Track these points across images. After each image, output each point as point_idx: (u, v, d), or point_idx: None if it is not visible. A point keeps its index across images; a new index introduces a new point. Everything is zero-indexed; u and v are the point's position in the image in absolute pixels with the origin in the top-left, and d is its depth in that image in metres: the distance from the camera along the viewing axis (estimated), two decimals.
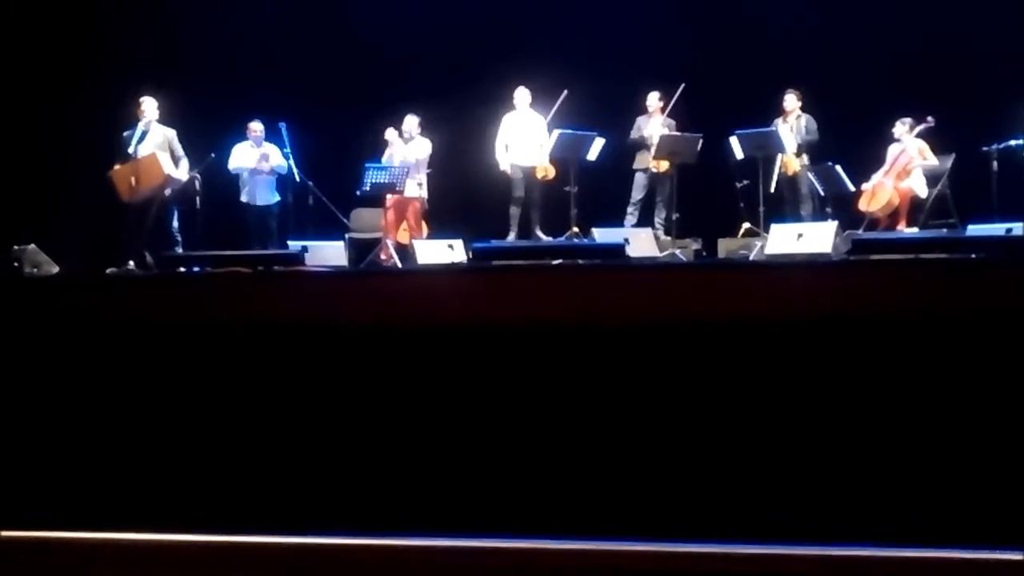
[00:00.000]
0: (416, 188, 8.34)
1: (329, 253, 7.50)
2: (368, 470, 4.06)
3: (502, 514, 3.98)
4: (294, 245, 7.35)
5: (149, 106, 7.98)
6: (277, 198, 8.47)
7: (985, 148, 7.46)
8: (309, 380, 4.15)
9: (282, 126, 8.42)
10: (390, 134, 8.35)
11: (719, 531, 3.76)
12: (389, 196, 8.19)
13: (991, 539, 3.62)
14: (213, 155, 8.31)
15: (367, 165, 8.12)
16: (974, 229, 6.85)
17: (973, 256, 5.37)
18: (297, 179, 8.39)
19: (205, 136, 8.44)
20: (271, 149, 8.46)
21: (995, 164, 7.37)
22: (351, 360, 4.15)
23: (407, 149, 8.31)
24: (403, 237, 8.20)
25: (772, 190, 8.08)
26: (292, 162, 8.36)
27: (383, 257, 7.96)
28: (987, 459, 3.91)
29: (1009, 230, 6.24)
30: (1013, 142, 7.30)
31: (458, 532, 3.73)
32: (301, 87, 8.98)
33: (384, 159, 8.31)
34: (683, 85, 8.17)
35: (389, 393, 4.14)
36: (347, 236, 8.32)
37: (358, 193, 8.15)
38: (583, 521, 3.97)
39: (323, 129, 8.64)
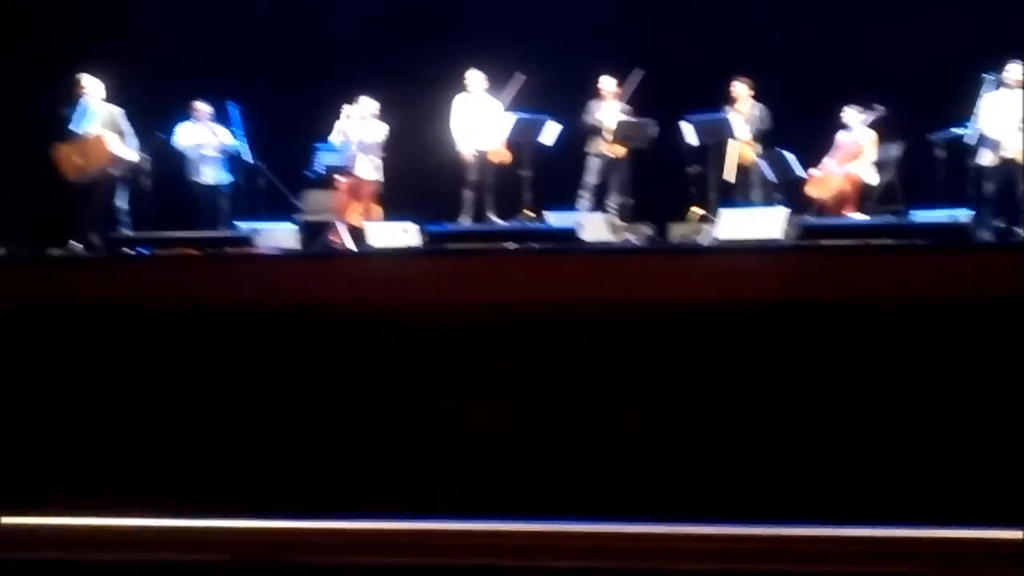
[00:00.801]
0: (373, 171, 8.27)
1: (280, 235, 7.41)
2: (312, 452, 4.04)
3: (456, 497, 3.98)
4: (244, 227, 7.25)
5: (89, 83, 7.81)
6: (228, 178, 8.35)
7: (931, 136, 7.60)
8: (257, 362, 4.11)
9: (232, 106, 8.29)
10: (349, 110, 8.22)
11: (672, 512, 3.82)
12: (342, 177, 8.10)
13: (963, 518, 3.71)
14: (161, 135, 8.16)
15: (319, 146, 8.03)
16: (920, 216, 6.99)
17: (918, 242, 5.49)
18: (248, 160, 8.27)
19: (155, 114, 8.29)
20: (219, 129, 8.33)
21: (941, 152, 7.51)
22: (301, 342, 4.12)
23: (362, 130, 8.20)
24: (355, 220, 8.13)
25: (728, 178, 8.15)
26: (243, 142, 8.24)
27: (334, 240, 7.88)
28: (933, 439, 4.00)
29: (953, 217, 6.37)
30: (958, 131, 7.44)
31: (415, 515, 3.74)
32: (253, 66, 8.84)
33: (334, 136, 8.17)
34: (640, 71, 8.19)
35: (340, 375, 4.12)
36: (299, 218, 8.23)
37: (309, 175, 8.05)
38: (536, 502, 3.99)
39: (275, 109, 8.51)
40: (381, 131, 8.26)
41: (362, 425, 4.09)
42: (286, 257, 5.52)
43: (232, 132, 8.26)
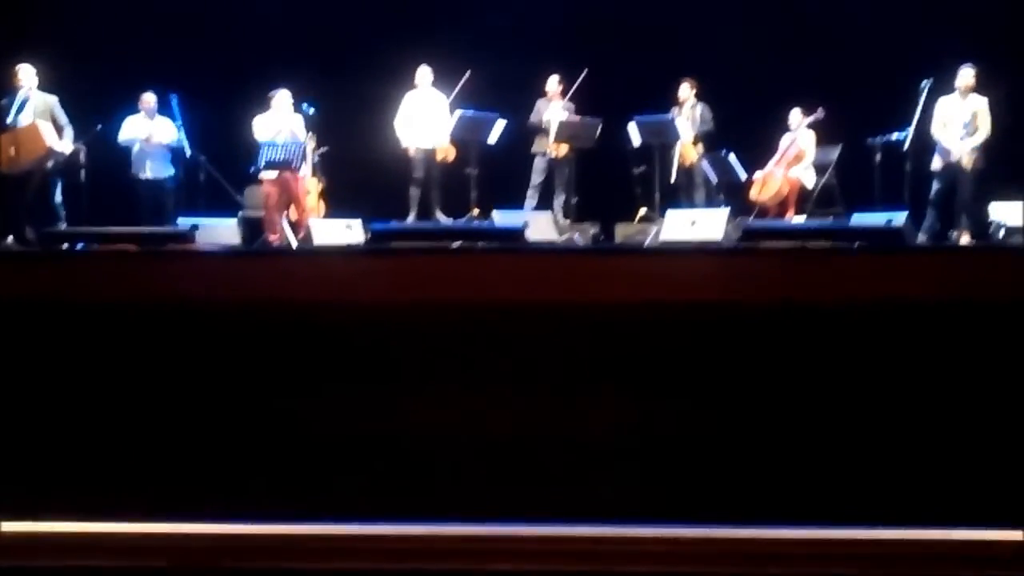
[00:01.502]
0: (303, 167, 8.10)
1: (222, 231, 7.31)
2: (252, 453, 3.99)
3: (403, 499, 3.97)
4: (184, 222, 7.13)
5: (26, 74, 7.61)
6: (171, 172, 8.20)
7: (869, 140, 7.76)
8: (193, 360, 4.05)
9: (173, 98, 8.14)
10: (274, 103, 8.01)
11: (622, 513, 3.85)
12: (269, 173, 7.83)
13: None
14: (100, 126, 7.98)
15: (262, 141, 7.92)
16: (858, 218, 7.14)
17: (856, 244, 5.60)
18: (188, 154, 8.14)
19: (92, 105, 8.10)
20: (164, 123, 8.17)
21: (878, 156, 7.68)
22: (238, 340, 4.06)
23: (284, 122, 8.02)
24: (295, 215, 8.01)
25: (673, 180, 8.24)
26: (183, 135, 8.09)
27: (272, 237, 7.75)
28: (879, 438, 4.09)
29: (890, 220, 6.51)
30: (895, 135, 7.61)
31: (363, 518, 3.71)
32: (194, 57, 8.68)
33: (259, 129, 7.94)
34: (586, 71, 8.24)
35: (277, 374, 4.07)
36: (241, 214, 8.11)
37: (252, 170, 7.93)
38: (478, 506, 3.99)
39: (217, 102, 8.37)
40: (299, 123, 8.08)
41: (302, 425, 4.05)
42: (224, 254, 5.43)
43: (174, 124, 8.10)
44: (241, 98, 8.29)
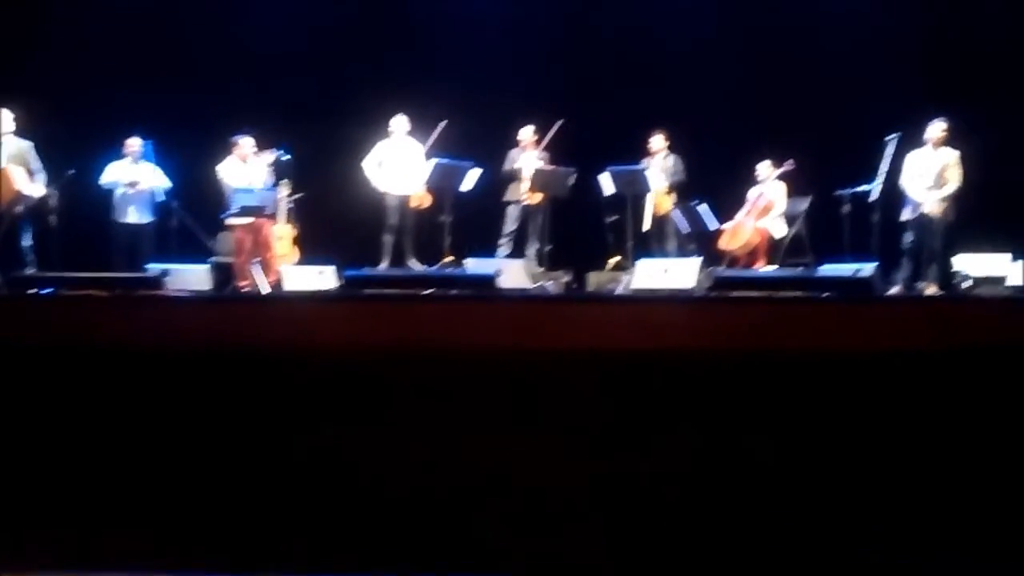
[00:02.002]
0: (273, 213, 8.07)
1: (192, 277, 7.25)
2: (222, 499, 3.93)
3: (358, 548, 3.92)
4: (155, 268, 7.08)
5: (4, 118, 7.59)
6: (152, 217, 8.17)
7: (838, 192, 7.88)
8: (162, 406, 4.00)
9: (148, 144, 8.14)
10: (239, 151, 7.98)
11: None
12: (238, 220, 7.80)
13: None
14: (72, 171, 7.95)
15: (236, 188, 7.90)
16: (826, 269, 7.21)
17: (825, 295, 5.65)
18: (161, 198, 8.11)
19: (65, 150, 8.08)
20: (150, 167, 8.16)
21: (847, 207, 7.79)
22: (209, 387, 4.03)
23: (247, 172, 7.99)
24: (265, 262, 7.95)
25: (646, 228, 8.31)
26: (166, 181, 8.10)
27: (242, 283, 7.69)
28: (844, 486, 4.10)
29: (858, 270, 6.59)
30: (863, 187, 7.73)
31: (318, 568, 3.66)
32: (167, 103, 8.70)
33: (226, 176, 7.92)
34: (561, 121, 8.33)
35: (248, 420, 4.03)
36: (212, 260, 8.07)
37: (223, 218, 7.91)
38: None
39: (189, 148, 8.38)
40: (262, 169, 8.05)
41: (266, 471, 4.00)
42: (194, 300, 5.39)
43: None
44: (214, 143, 8.30)
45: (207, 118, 8.67)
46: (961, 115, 7.85)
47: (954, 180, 7.55)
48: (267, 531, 4.02)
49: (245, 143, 7.95)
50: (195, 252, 8.00)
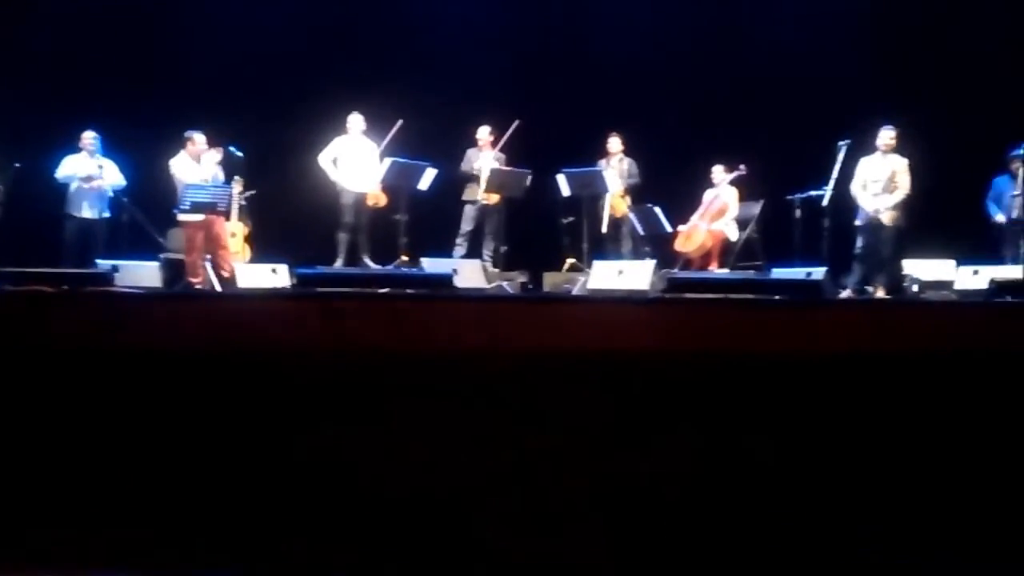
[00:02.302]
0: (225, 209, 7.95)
1: (143, 273, 7.13)
2: (174, 499, 3.87)
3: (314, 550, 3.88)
4: (104, 264, 6.95)
5: None
6: (107, 213, 8.01)
7: (789, 197, 8.00)
8: (105, 405, 3.93)
9: (97, 138, 7.99)
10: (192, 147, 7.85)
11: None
12: (190, 216, 7.68)
13: None
14: (18, 164, 7.78)
15: (188, 184, 7.79)
16: (778, 272, 7.32)
17: (776, 297, 5.73)
18: (111, 194, 7.97)
19: (10, 144, 7.90)
20: (108, 163, 8.00)
21: (798, 212, 7.90)
22: (156, 386, 3.96)
23: (200, 169, 7.86)
24: (215, 259, 7.84)
25: (604, 230, 8.36)
26: (121, 178, 7.97)
27: (194, 280, 7.58)
28: (790, 490, 4.15)
29: (809, 274, 6.69)
30: (814, 192, 7.85)
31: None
32: (116, 96, 8.55)
33: (178, 171, 7.79)
34: (517, 121, 8.34)
35: (196, 420, 3.97)
36: (163, 256, 7.94)
37: (176, 213, 7.79)
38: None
39: (140, 143, 8.24)
40: (217, 169, 7.93)
41: (210, 473, 3.95)
42: (144, 296, 5.30)
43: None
44: (165, 139, 8.17)
45: (158, 113, 8.54)
46: (912, 122, 8.02)
47: (904, 187, 7.70)
48: (218, 529, 3.97)
49: (199, 139, 7.84)
50: (146, 248, 7.87)
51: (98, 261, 7.26)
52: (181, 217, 7.69)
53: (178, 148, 7.97)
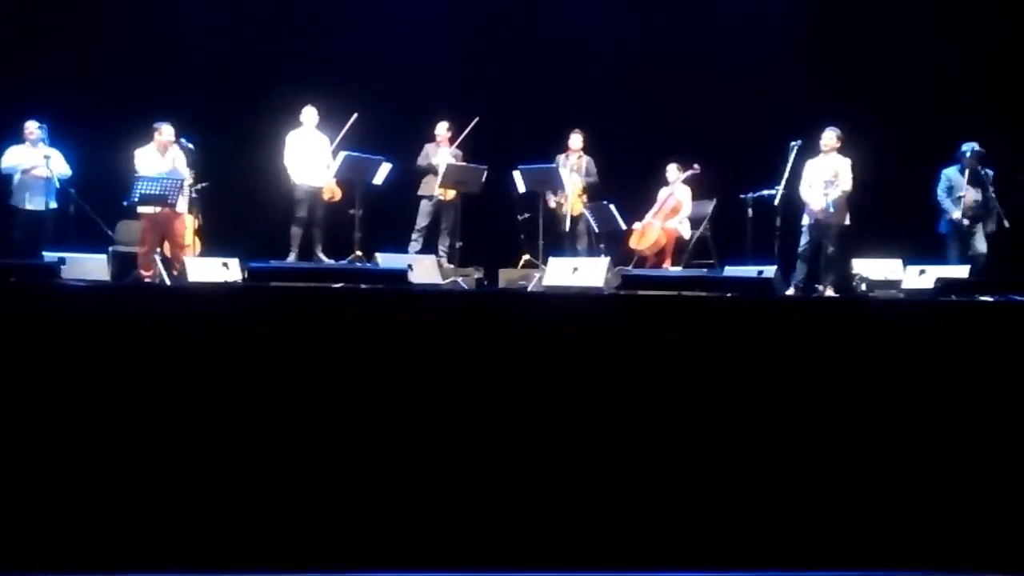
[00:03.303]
0: (183, 203, 7.84)
1: (90, 266, 6.99)
2: (110, 496, 3.82)
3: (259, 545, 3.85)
4: (51, 256, 6.80)
5: None
6: (53, 204, 7.82)
7: (742, 196, 8.09)
8: (50, 399, 3.85)
9: (44, 128, 7.80)
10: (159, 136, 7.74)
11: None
12: (148, 209, 7.54)
13: None
14: None
15: (137, 175, 7.64)
16: (730, 270, 7.40)
17: (728, 294, 5.79)
18: (57, 185, 7.79)
19: None
20: (53, 153, 7.81)
21: (750, 211, 8.00)
22: (105, 380, 3.89)
23: (164, 161, 7.74)
24: (168, 252, 7.72)
25: (566, 229, 8.38)
26: (66, 168, 7.79)
27: (144, 274, 7.46)
28: (750, 482, 4.21)
29: (760, 272, 6.77)
30: (766, 192, 7.95)
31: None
32: (64, 85, 8.36)
33: (141, 163, 7.67)
34: (477, 119, 8.33)
35: (146, 413, 3.92)
36: (111, 249, 7.79)
37: (125, 204, 7.64)
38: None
39: (88, 132, 8.07)
40: (182, 159, 7.83)
41: (169, 463, 3.90)
42: (92, 289, 5.19)
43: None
44: (115, 129, 8.01)
45: (108, 104, 8.38)
46: (860, 123, 8.16)
47: (844, 184, 7.83)
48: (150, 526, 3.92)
49: (166, 130, 7.66)
50: (94, 241, 7.72)
51: (44, 253, 7.10)
52: (141, 210, 7.55)
53: (127, 139, 7.82)
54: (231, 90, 8.87)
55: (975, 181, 7.88)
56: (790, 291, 7.46)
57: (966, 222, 7.85)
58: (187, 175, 7.75)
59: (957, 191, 7.92)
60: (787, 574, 4.09)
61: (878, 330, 4.49)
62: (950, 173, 8.03)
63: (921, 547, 4.19)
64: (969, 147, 7.88)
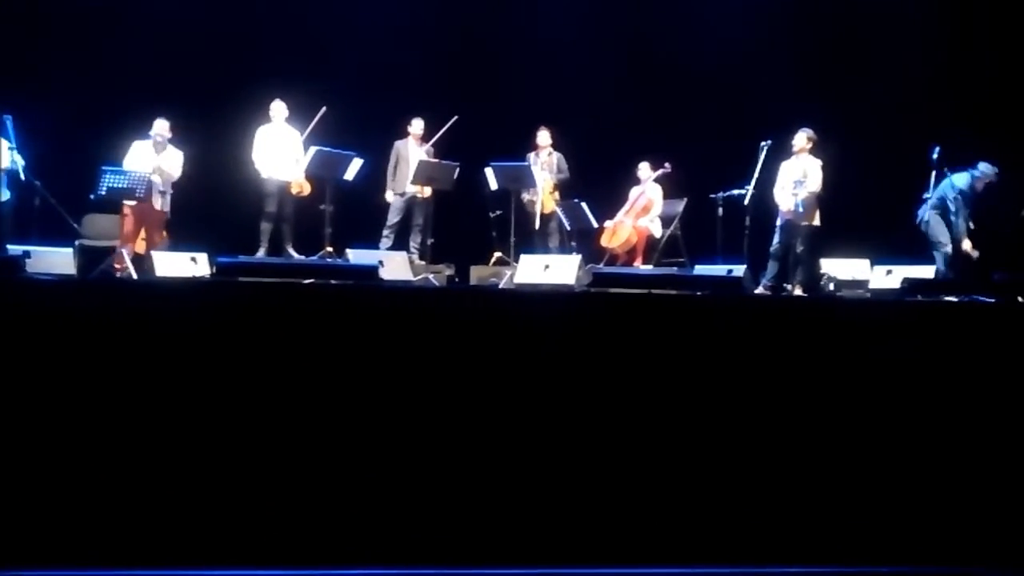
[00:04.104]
0: (160, 198, 7.80)
1: (56, 260, 6.88)
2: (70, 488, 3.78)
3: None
4: (15, 249, 6.69)
5: None
6: (6, 196, 7.69)
7: (712, 195, 8.14)
8: (18, 395, 3.80)
9: (7, 119, 7.67)
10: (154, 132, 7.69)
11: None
12: (129, 203, 7.61)
13: None
14: None
15: (104, 168, 7.54)
16: (700, 269, 7.45)
17: (698, 293, 5.84)
18: (23, 177, 7.67)
19: None
20: (3, 145, 7.68)
21: (720, 210, 8.05)
22: (72, 375, 3.85)
23: (158, 158, 7.75)
24: (141, 247, 7.67)
25: (537, 227, 8.39)
26: (16, 157, 7.63)
27: (117, 267, 7.39)
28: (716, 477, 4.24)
29: (730, 271, 6.83)
30: (736, 191, 8.01)
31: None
32: (31, 77, 8.24)
33: (126, 163, 7.70)
34: (455, 118, 8.31)
35: (114, 408, 3.88)
36: (77, 243, 7.69)
37: (92, 197, 7.54)
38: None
39: (55, 125, 7.95)
40: (178, 159, 7.83)
41: (123, 465, 3.87)
42: (58, 283, 5.13)
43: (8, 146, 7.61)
44: (83, 123, 7.91)
45: (77, 99, 8.28)
46: (830, 125, 8.23)
47: (812, 185, 7.90)
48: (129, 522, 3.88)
49: (157, 125, 7.65)
50: (59, 234, 7.61)
51: (8, 247, 6.98)
52: (126, 203, 7.50)
53: (95, 133, 7.73)
54: (201, 84, 8.78)
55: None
56: (759, 290, 7.52)
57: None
58: (175, 175, 7.72)
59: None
60: (757, 570, 4.13)
61: (844, 329, 4.54)
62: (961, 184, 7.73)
63: (889, 541, 4.25)
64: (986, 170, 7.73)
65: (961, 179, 7.79)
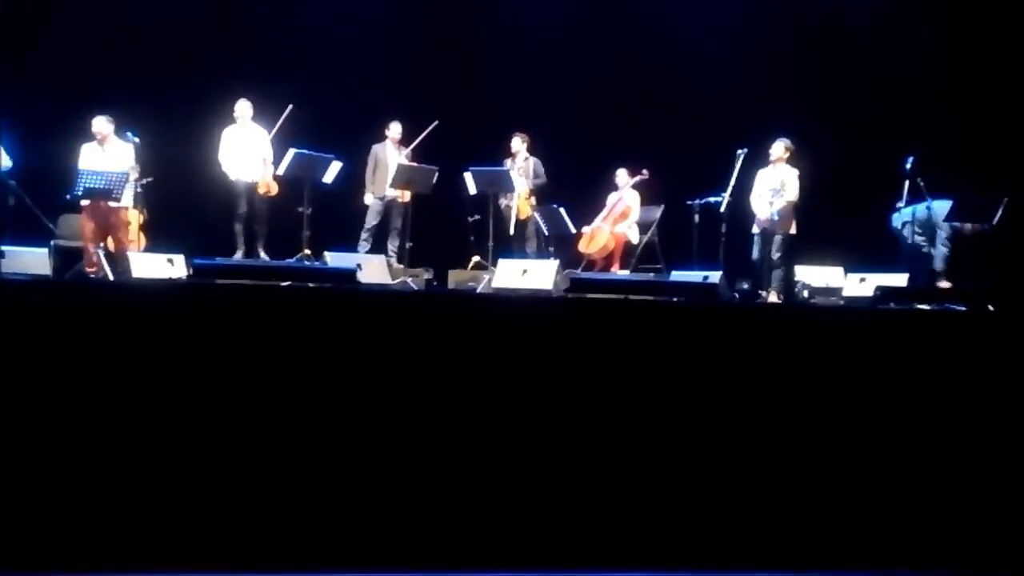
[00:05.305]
0: (125, 197, 7.69)
1: (31, 260, 6.83)
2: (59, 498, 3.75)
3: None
4: None
5: None
6: None
7: (689, 202, 8.20)
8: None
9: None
10: (95, 127, 7.54)
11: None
12: (86, 201, 7.40)
13: None
14: None
15: (81, 170, 7.49)
16: (677, 275, 7.49)
17: (675, 299, 5.88)
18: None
19: None
20: None
21: (697, 217, 8.11)
22: (43, 375, 3.83)
23: (106, 156, 7.60)
24: (110, 247, 7.58)
25: (511, 232, 8.41)
26: (6, 160, 7.59)
27: (89, 269, 7.32)
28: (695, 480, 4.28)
29: (706, 277, 6.87)
30: (713, 199, 8.07)
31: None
32: (4, 78, 8.16)
33: (81, 161, 7.52)
34: (436, 123, 8.31)
35: (87, 409, 3.86)
36: (52, 243, 7.62)
37: (68, 198, 7.48)
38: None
39: (30, 123, 7.89)
40: (128, 153, 7.75)
41: (95, 465, 3.85)
42: (32, 284, 5.10)
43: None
44: (57, 123, 7.84)
45: (50, 98, 8.20)
46: (806, 133, 8.31)
47: (789, 194, 7.97)
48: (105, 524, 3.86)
49: (96, 123, 7.54)
50: (32, 234, 7.55)
51: None
52: (86, 203, 7.42)
53: (69, 133, 7.67)
54: (174, 84, 8.74)
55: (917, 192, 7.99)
56: (772, 298, 7.59)
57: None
58: (133, 169, 7.62)
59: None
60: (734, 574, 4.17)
61: (817, 335, 4.60)
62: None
63: (860, 545, 4.30)
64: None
65: (944, 208, 7.78)
